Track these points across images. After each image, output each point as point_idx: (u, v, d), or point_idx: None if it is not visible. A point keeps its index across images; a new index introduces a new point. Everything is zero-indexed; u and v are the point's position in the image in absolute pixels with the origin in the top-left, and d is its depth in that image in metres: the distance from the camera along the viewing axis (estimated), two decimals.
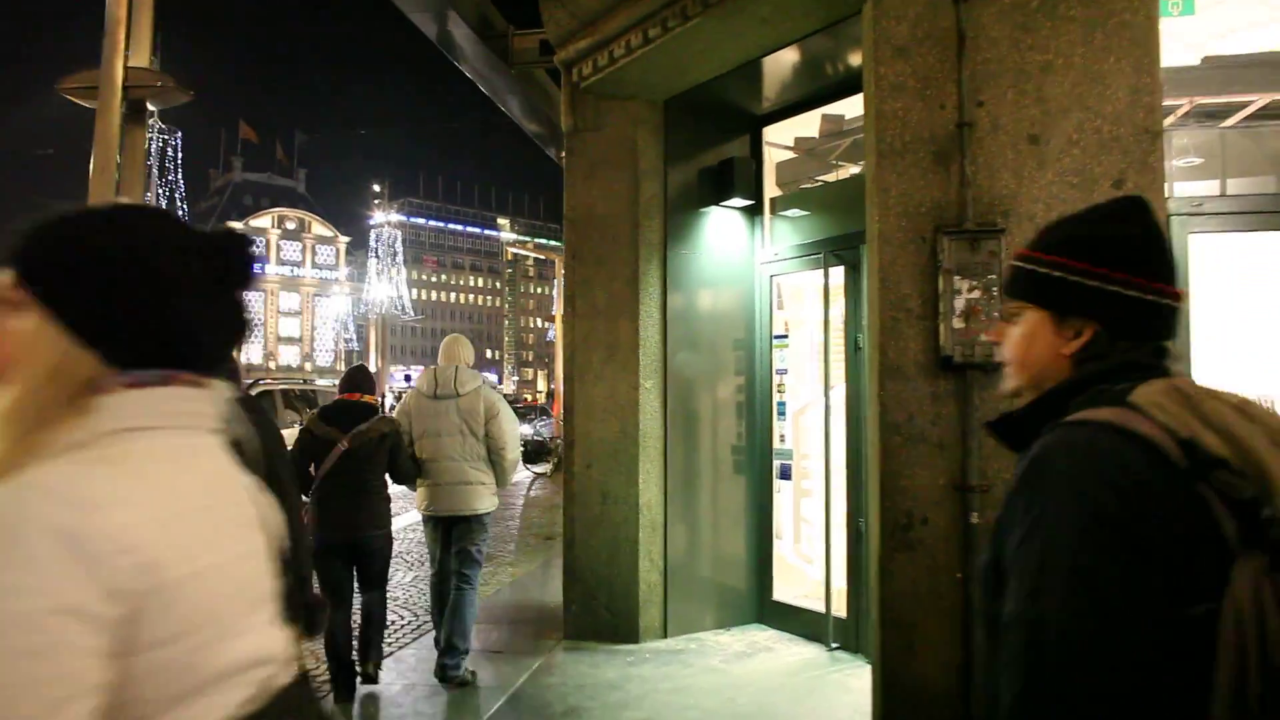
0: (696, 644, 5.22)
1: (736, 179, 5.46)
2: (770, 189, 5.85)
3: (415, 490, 4.94)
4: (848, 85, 5.03)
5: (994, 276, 3.12)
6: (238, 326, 1.02)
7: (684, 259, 5.53)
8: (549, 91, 7.53)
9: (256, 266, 1.02)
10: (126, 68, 4.99)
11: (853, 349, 5.03)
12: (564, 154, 5.57)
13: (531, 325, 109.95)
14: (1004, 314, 1.30)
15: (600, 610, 5.29)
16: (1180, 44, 4.01)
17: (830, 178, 5.75)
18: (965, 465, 3.19)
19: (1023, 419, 1.22)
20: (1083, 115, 3.15)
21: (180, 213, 54.22)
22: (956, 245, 3.15)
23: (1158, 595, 0.94)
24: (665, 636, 5.30)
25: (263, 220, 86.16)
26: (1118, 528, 0.96)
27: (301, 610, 2.23)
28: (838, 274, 5.18)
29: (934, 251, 3.24)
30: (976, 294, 3.13)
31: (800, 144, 5.91)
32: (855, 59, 4.82)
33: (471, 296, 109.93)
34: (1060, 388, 1.17)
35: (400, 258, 74.73)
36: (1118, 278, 1.16)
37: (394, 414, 4.93)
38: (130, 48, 5.21)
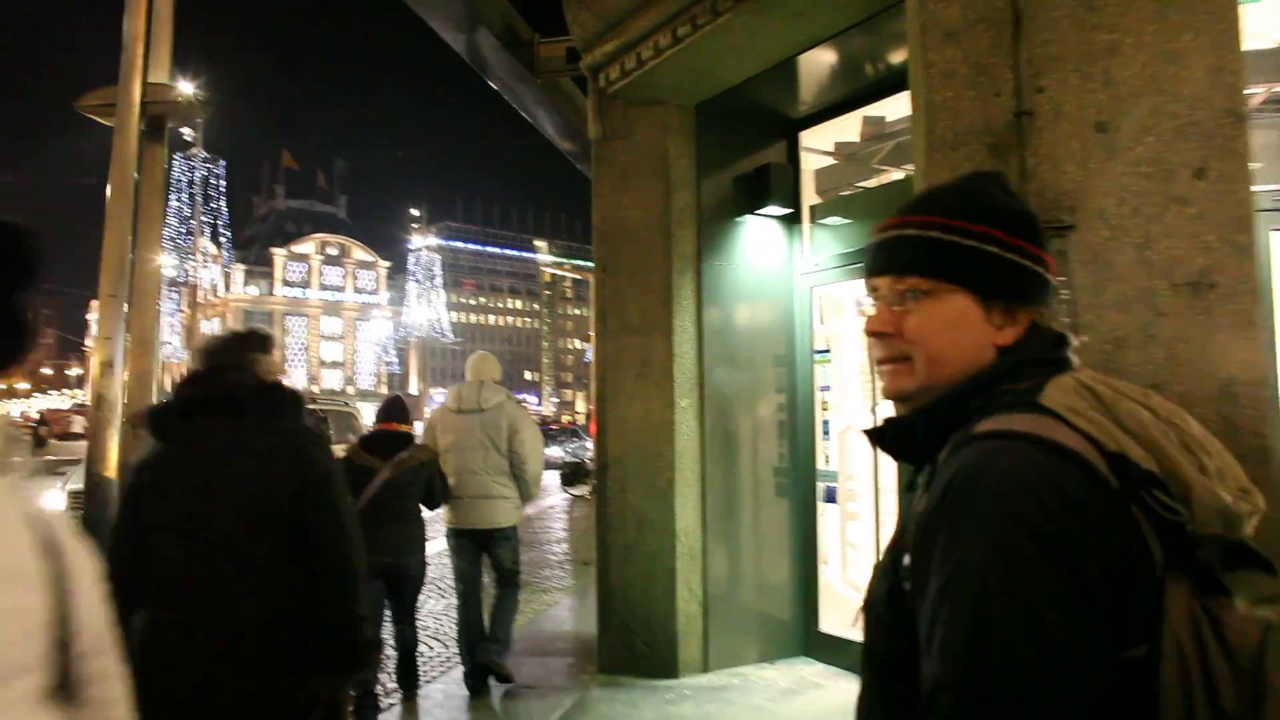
0: (739, 679, 4.91)
1: (773, 186, 5.20)
2: (809, 197, 5.57)
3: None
4: (889, 84, 4.77)
5: (1063, 278, 2.81)
6: (15, 333, 0.81)
7: (719, 271, 5.27)
8: (577, 103, 7.34)
9: (37, 264, 0.82)
10: (145, 84, 4.90)
11: None
12: (592, 164, 5.36)
13: (570, 347, 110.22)
14: (891, 295, 1.05)
15: (637, 643, 5.00)
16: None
17: (872, 183, 5.46)
18: None
19: (917, 426, 1.02)
20: (1157, 99, 2.85)
21: (224, 240, 55.34)
22: None
23: (1105, 639, 0.81)
24: (706, 671, 5.00)
25: (305, 246, 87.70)
26: (1064, 565, 0.80)
27: (356, 647, 2.25)
28: None
29: None
30: None
31: (840, 149, 5.64)
32: (896, 56, 4.55)
33: (510, 319, 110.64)
34: (965, 388, 0.99)
35: (439, 281, 75.46)
36: (1045, 259, 1.04)
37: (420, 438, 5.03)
38: (149, 64, 5.13)
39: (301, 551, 2.20)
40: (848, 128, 5.48)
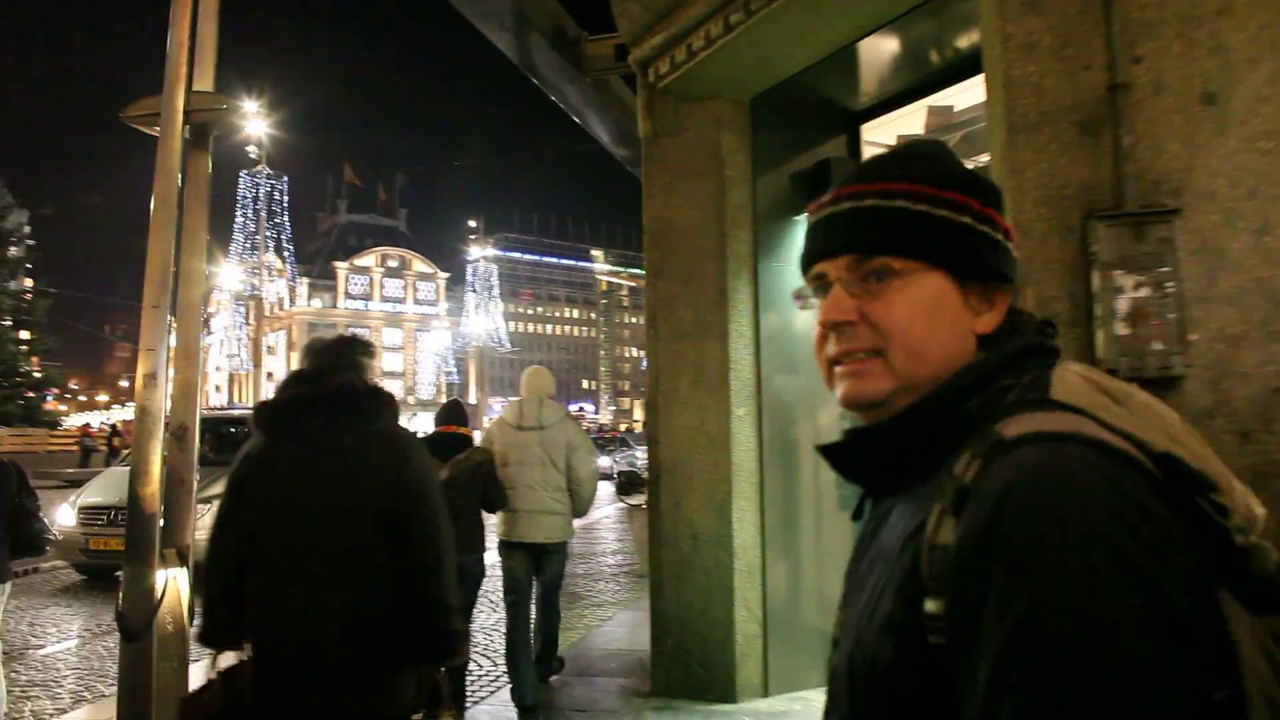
0: (801, 704, 4.62)
1: (834, 182, 4.88)
2: None
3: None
4: (956, 70, 4.46)
5: (1167, 269, 2.50)
6: None
7: (777, 272, 5.00)
8: (628, 105, 7.15)
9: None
10: (189, 93, 4.84)
11: None
12: (642, 163, 5.14)
13: (627, 355, 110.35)
14: (851, 279, 0.86)
15: (693, 665, 4.75)
16: None
17: None
18: None
19: (895, 435, 0.83)
20: (1276, 64, 2.51)
21: (287, 254, 56.61)
22: (1116, 233, 2.55)
23: (1206, 687, 0.63)
24: (766, 695, 4.72)
25: (367, 259, 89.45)
26: (1160, 598, 0.63)
27: (450, 635, 2.41)
28: None
29: (1084, 243, 2.64)
30: (1145, 291, 2.51)
31: (903, 142, 5.33)
32: (964, 39, 4.25)
33: (567, 328, 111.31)
34: (957, 384, 0.81)
35: (497, 291, 76.23)
36: (1012, 232, 0.89)
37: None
38: (194, 73, 5.07)
39: (398, 544, 2.34)
40: (911, 120, 5.18)
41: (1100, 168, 2.65)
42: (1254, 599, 0.69)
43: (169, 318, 4.33)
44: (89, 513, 8.96)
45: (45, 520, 4.56)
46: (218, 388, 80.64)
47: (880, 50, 4.46)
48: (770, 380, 4.92)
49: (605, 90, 6.94)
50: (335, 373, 2.48)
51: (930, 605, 0.70)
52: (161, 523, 3.71)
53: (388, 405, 2.52)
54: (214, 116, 4.93)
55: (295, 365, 2.80)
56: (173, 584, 3.64)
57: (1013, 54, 2.78)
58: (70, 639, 7.03)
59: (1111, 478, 0.68)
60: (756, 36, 4.18)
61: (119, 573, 3.43)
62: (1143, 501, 0.67)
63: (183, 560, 3.70)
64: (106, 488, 9.33)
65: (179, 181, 4.74)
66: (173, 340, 4.22)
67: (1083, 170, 2.67)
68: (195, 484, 3.88)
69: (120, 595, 3.50)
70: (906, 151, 0.93)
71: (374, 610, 2.28)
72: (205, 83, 4.94)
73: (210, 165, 5.29)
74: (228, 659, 2.46)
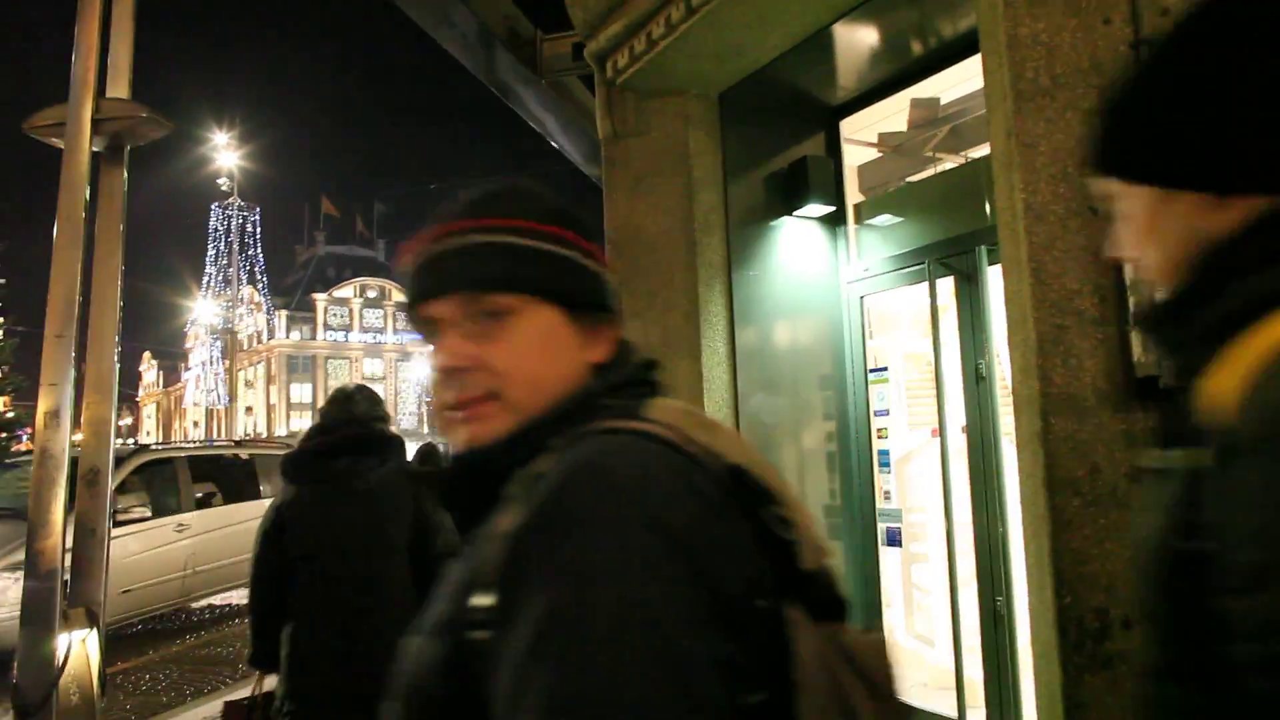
0: None
1: (812, 182, 4.53)
2: (853, 194, 4.89)
3: None
4: (943, 55, 4.11)
5: None
6: None
7: (753, 282, 4.59)
8: (590, 112, 6.78)
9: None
10: (99, 99, 4.41)
11: (973, 379, 3.99)
12: (603, 167, 4.73)
13: None
14: (464, 320, 0.84)
15: None
16: None
17: (926, 174, 4.76)
18: None
19: (499, 460, 0.80)
20: None
21: (261, 286, 55.92)
22: None
23: (742, 682, 0.66)
24: None
25: (346, 290, 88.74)
26: (705, 581, 0.65)
27: None
28: (946, 286, 4.17)
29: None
30: None
31: (885, 140, 4.95)
32: (950, 20, 3.89)
33: None
34: (567, 404, 0.82)
35: None
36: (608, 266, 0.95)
37: None
38: (109, 78, 4.64)
39: (423, 564, 2.64)
40: (893, 117, 4.81)
41: None
42: (814, 607, 0.74)
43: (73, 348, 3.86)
44: None
45: None
46: (195, 423, 79.39)
47: (859, 35, 4.08)
48: (748, 400, 4.49)
49: (566, 96, 6.55)
50: (350, 422, 2.79)
51: (480, 598, 0.69)
52: (67, 579, 3.26)
53: (396, 447, 2.87)
54: (128, 126, 4.47)
55: (275, 395, 3.11)
56: (80, 648, 3.16)
57: (1017, 9, 2.38)
58: None
59: (674, 467, 0.71)
60: (722, 19, 3.78)
61: None
62: (704, 493, 0.70)
63: (92, 621, 3.23)
64: None
65: (85, 197, 4.28)
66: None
67: None
68: (108, 533, 3.43)
69: (15, 664, 3.05)
70: (506, 189, 0.93)
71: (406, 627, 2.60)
72: (120, 89, 4.49)
73: (125, 180, 4.82)
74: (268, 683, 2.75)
